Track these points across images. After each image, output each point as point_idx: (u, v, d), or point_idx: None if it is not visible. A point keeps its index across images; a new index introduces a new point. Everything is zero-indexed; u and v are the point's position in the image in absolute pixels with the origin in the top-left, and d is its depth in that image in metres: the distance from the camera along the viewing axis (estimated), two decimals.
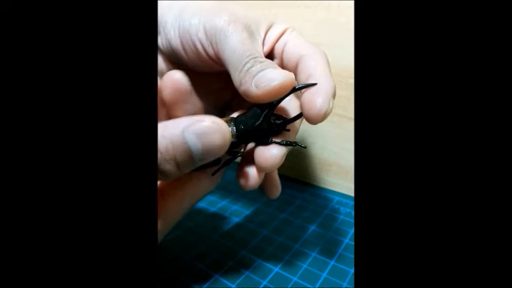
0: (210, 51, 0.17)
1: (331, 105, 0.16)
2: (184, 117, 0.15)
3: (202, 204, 0.29)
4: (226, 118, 0.17)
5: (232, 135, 0.16)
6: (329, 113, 0.16)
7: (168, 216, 0.17)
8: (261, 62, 0.16)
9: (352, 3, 0.26)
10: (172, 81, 0.19)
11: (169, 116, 0.19)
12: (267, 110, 0.16)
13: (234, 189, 0.31)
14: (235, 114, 0.18)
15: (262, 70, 0.15)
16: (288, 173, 0.34)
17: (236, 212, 0.28)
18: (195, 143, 0.14)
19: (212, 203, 0.29)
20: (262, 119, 0.16)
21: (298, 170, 0.33)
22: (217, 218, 0.27)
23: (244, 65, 0.16)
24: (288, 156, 0.17)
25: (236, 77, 0.16)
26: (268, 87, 0.15)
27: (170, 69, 0.19)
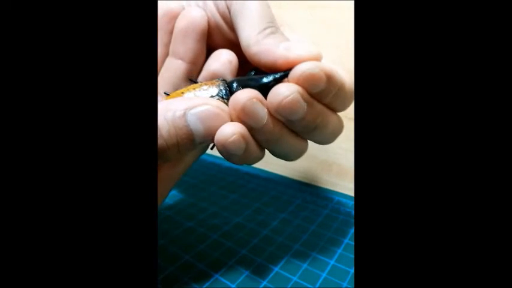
0: (223, 8, 0.17)
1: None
2: (183, 99, 0.15)
3: (202, 204, 0.29)
4: (215, 82, 0.17)
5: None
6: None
7: (163, 184, 0.17)
8: (283, 34, 0.15)
9: (352, 3, 0.26)
10: (190, 16, 0.18)
11: (168, 49, 0.19)
12: (274, 80, 0.15)
13: (235, 190, 0.31)
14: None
15: (287, 40, 0.15)
16: (288, 173, 0.34)
17: (236, 212, 0.28)
18: (197, 126, 0.14)
19: (212, 203, 0.29)
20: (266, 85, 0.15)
21: (298, 170, 0.33)
22: (217, 218, 0.27)
23: (266, 28, 0.15)
24: None
25: (251, 34, 0.15)
26: (304, 53, 0.14)
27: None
